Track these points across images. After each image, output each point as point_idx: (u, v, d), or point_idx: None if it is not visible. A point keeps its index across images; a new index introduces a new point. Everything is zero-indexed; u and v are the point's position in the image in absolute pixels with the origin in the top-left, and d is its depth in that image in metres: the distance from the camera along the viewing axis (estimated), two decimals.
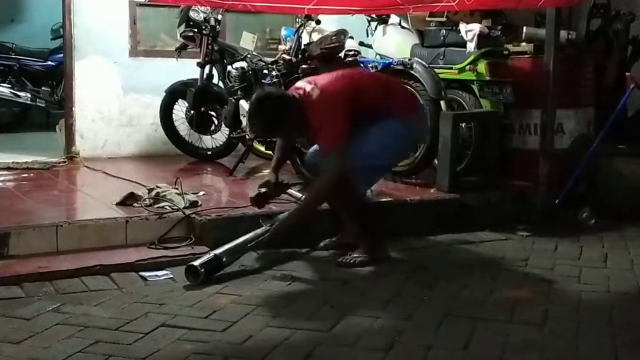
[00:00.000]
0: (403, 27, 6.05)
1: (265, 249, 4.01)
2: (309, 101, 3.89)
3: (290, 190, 4.50)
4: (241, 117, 5.84)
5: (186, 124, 6.38)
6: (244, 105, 5.81)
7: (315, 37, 5.69)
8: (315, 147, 4.19)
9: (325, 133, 3.84)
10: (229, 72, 6.07)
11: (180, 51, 6.16)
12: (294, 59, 5.53)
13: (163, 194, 4.51)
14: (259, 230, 4.01)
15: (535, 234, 4.78)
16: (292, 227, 4.00)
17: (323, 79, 4.04)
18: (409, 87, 5.21)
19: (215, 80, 6.24)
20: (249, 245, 3.92)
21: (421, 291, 3.57)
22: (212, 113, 6.29)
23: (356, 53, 5.70)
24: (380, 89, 4.10)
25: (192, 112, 6.24)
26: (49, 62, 8.23)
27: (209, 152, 6.49)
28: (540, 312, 3.31)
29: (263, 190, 4.22)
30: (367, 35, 6.30)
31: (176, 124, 6.49)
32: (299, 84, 4.07)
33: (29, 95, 8.04)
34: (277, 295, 3.49)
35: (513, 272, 3.95)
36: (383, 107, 3.99)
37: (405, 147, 4.26)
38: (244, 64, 5.98)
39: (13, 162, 5.91)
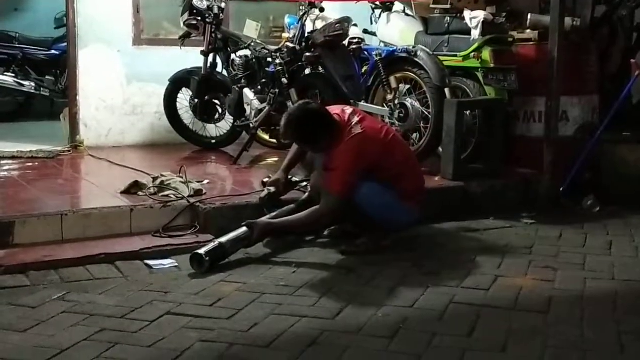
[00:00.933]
0: (407, 15, 6.03)
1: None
2: (345, 131, 3.90)
3: (301, 185, 4.48)
4: (245, 105, 5.84)
5: (190, 112, 6.38)
6: (248, 93, 5.81)
7: (319, 24, 5.68)
8: (319, 170, 4.15)
9: (338, 174, 3.84)
10: (233, 60, 6.07)
11: (184, 39, 6.15)
12: (297, 47, 5.52)
13: (167, 182, 4.51)
14: (264, 218, 4.01)
15: (539, 221, 4.78)
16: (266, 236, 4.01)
17: (370, 119, 4.09)
18: (413, 75, 5.21)
19: (219, 68, 6.23)
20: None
21: (425, 279, 3.57)
22: (216, 101, 6.29)
23: (360, 41, 5.69)
24: (404, 160, 4.09)
25: (196, 100, 6.23)
26: (53, 51, 8.23)
27: (213, 141, 6.49)
28: (545, 300, 3.31)
29: (272, 189, 4.22)
30: (371, 23, 6.28)
31: (180, 112, 6.49)
32: (345, 108, 4.06)
33: (33, 84, 8.03)
34: (282, 283, 3.50)
35: (517, 260, 3.95)
36: (395, 180, 3.98)
37: (389, 221, 4.07)
38: (247, 52, 5.98)
39: (18, 152, 5.92)
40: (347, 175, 3.84)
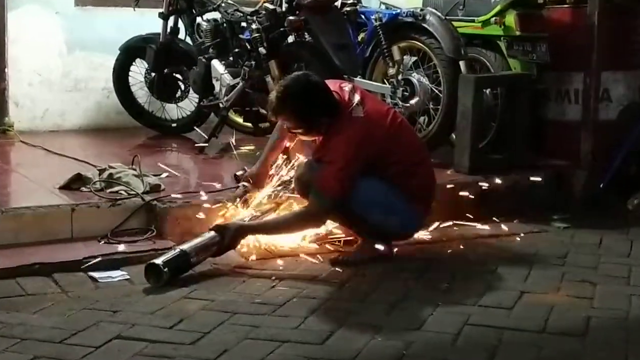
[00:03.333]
0: None
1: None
2: (345, 113, 3.90)
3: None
4: (213, 81, 5.82)
5: (146, 89, 6.36)
6: (217, 66, 5.80)
7: None
8: (308, 160, 4.15)
9: (335, 168, 3.84)
10: (199, 25, 6.05)
11: None
12: (279, 9, 5.52)
13: (117, 175, 4.50)
14: (237, 220, 4.01)
15: (575, 225, 4.80)
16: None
17: (373, 100, 4.11)
18: (420, 45, 5.21)
19: (181, 35, 6.21)
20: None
21: (434, 295, 3.58)
22: (178, 76, 6.27)
23: (356, 2, 5.69)
24: (412, 153, 4.10)
25: (152, 74, 6.22)
26: None
27: (174, 124, 6.47)
28: (581, 321, 3.32)
29: (248, 185, 4.24)
30: None
31: (133, 89, 6.48)
32: (342, 84, 4.07)
33: None
34: (259, 300, 3.49)
35: (548, 272, 3.96)
36: (400, 177, 3.99)
37: (390, 225, 4.06)
38: (217, 15, 5.96)
39: None
40: (345, 170, 3.85)
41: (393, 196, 3.97)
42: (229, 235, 3.87)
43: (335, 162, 3.84)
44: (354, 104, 3.93)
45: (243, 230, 3.96)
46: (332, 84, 4.05)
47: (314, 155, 3.99)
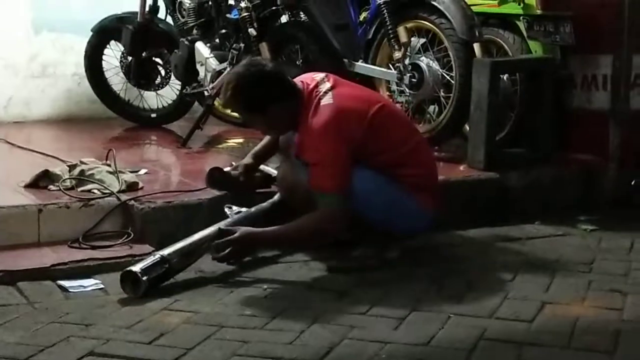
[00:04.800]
0: None
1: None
2: (310, 102, 3.93)
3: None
4: (197, 66, 5.83)
5: (121, 75, 6.36)
6: (202, 49, 5.80)
7: None
8: (289, 160, 4.17)
9: (322, 166, 3.85)
10: (181, 3, 6.06)
11: None
12: None
13: (90, 172, 4.50)
14: (222, 223, 4.02)
15: (603, 227, 4.80)
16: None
17: (343, 85, 4.09)
18: (429, 25, 5.21)
19: (161, 14, 6.21)
20: (206, 244, 3.93)
21: (447, 305, 3.58)
22: (158, 60, 6.28)
23: None
24: (403, 139, 4.10)
25: (129, 58, 6.22)
26: None
27: (154, 115, 6.48)
28: (609, 334, 3.32)
29: (230, 171, 4.25)
30: None
31: (107, 75, 6.48)
32: (314, 75, 4.10)
33: None
34: (248, 312, 3.50)
35: (572, 280, 3.96)
36: (394, 166, 4.01)
37: (394, 223, 4.08)
38: None
39: None
40: (332, 163, 3.85)
41: (393, 188, 3.98)
42: (237, 241, 3.88)
43: (319, 162, 3.86)
44: (321, 92, 3.95)
45: (252, 237, 3.95)
46: (304, 76, 4.12)
47: (296, 156, 4.01)
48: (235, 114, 5.93)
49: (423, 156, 4.20)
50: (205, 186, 4.36)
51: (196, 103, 6.14)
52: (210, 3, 5.87)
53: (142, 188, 4.46)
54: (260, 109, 3.96)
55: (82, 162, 4.63)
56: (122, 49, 6.28)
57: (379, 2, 5.37)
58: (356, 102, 4.01)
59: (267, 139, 4.42)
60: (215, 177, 4.31)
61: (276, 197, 4.29)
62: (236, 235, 3.90)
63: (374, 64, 5.51)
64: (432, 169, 4.22)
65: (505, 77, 5.27)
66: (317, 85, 3.99)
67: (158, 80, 6.33)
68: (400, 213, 4.01)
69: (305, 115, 3.92)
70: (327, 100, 3.93)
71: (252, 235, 3.95)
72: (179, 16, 6.06)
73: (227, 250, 3.88)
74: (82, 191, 4.35)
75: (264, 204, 4.24)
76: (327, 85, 3.99)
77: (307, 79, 4.06)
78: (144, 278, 3.62)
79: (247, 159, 4.41)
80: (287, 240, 4.07)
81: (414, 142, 4.17)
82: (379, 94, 4.34)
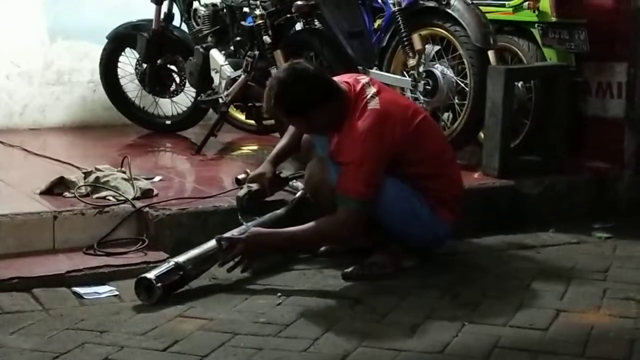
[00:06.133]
0: None
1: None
2: (358, 105, 3.90)
3: (292, 183, 4.48)
4: (212, 73, 5.84)
5: (136, 82, 6.37)
6: (216, 56, 5.81)
7: None
8: (319, 158, 4.16)
9: (355, 169, 3.83)
10: (196, 10, 6.07)
11: None
12: None
13: (105, 179, 4.51)
14: (235, 231, 4.02)
15: (618, 235, 4.79)
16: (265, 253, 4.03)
17: (387, 91, 4.10)
18: (444, 33, 5.21)
19: (176, 22, 6.22)
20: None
21: (461, 313, 3.58)
22: (172, 67, 6.29)
23: None
24: (438, 153, 4.10)
25: (144, 65, 6.23)
26: None
27: (168, 122, 6.49)
28: (625, 343, 3.31)
29: (254, 187, 4.23)
30: None
31: (122, 82, 6.50)
32: (359, 77, 4.08)
33: None
34: (263, 319, 3.50)
35: (587, 288, 3.95)
36: (424, 179, 4.00)
37: (412, 235, 4.07)
38: (215, 0, 5.96)
39: None
40: (365, 168, 3.84)
41: (416, 201, 3.97)
42: (246, 241, 3.87)
43: (354, 162, 3.84)
44: (368, 96, 3.93)
45: (262, 238, 3.95)
46: (347, 76, 4.07)
47: (330, 157, 3.99)
48: (250, 121, 5.96)
49: (453, 172, 4.20)
50: (219, 192, 4.34)
51: (211, 110, 6.15)
52: (225, 11, 5.88)
53: (156, 195, 4.47)
54: (304, 112, 3.93)
55: (97, 169, 4.64)
56: (137, 56, 6.29)
57: (394, 9, 5.37)
58: (402, 110, 4.00)
59: (284, 142, 4.40)
60: (244, 204, 4.24)
61: (291, 203, 4.29)
62: (243, 237, 3.89)
63: (388, 71, 5.51)
64: (460, 186, 4.22)
65: (519, 84, 5.27)
66: (363, 89, 3.96)
67: (173, 87, 6.34)
68: (419, 227, 4.01)
69: (351, 118, 3.89)
70: (374, 104, 3.91)
71: (260, 237, 3.94)
72: (194, 24, 6.07)
73: (235, 253, 3.85)
74: (97, 198, 4.36)
75: (279, 211, 4.24)
76: (373, 90, 3.97)
77: (352, 80, 4.02)
78: (159, 285, 3.63)
79: (265, 167, 4.33)
80: (300, 241, 4.05)
81: (448, 157, 4.19)
82: (417, 104, 4.33)
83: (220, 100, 5.74)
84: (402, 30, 5.32)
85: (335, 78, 4.05)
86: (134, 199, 4.34)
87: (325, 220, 3.94)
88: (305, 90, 3.90)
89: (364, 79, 4.06)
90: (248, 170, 4.47)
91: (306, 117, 3.95)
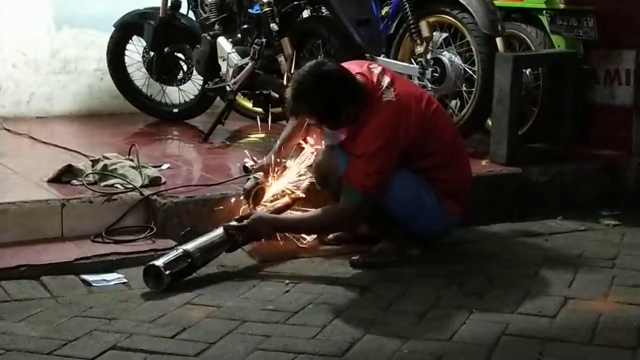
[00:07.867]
0: None
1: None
2: (373, 97, 3.88)
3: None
4: (219, 61, 5.83)
5: (144, 70, 6.37)
6: (224, 44, 5.80)
7: None
8: (329, 146, 4.16)
9: (365, 161, 3.83)
10: None
11: None
12: None
13: (112, 167, 4.52)
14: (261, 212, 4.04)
15: (626, 222, 4.79)
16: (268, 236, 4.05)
17: (405, 82, 4.10)
18: (452, 20, 5.20)
19: (183, 9, 6.22)
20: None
21: (468, 301, 3.58)
22: (180, 55, 6.28)
23: None
24: (450, 143, 4.10)
25: (151, 53, 6.23)
26: None
27: (175, 110, 6.49)
28: (633, 330, 3.31)
29: (260, 177, 4.23)
30: None
31: (129, 70, 6.49)
32: (371, 66, 4.05)
33: None
34: (271, 306, 3.51)
35: (595, 275, 3.95)
36: (434, 170, 4.00)
37: (419, 224, 4.06)
38: None
39: None
40: (376, 162, 3.83)
41: (426, 193, 3.98)
42: (253, 224, 3.89)
43: (365, 155, 3.83)
44: (384, 87, 3.91)
45: (269, 222, 3.97)
46: (358, 65, 4.04)
47: (343, 148, 3.98)
48: (257, 109, 5.95)
49: (463, 163, 4.19)
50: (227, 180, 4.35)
51: (218, 98, 6.15)
52: None
53: (164, 183, 4.48)
54: (333, 116, 3.90)
55: (105, 157, 4.65)
56: (145, 44, 6.29)
57: None
58: (416, 100, 3.98)
59: (286, 132, 4.37)
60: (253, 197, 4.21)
61: (303, 184, 4.29)
62: (245, 223, 3.90)
63: (395, 59, 5.50)
64: (468, 178, 4.21)
65: (527, 71, 5.26)
66: (378, 80, 3.93)
67: (180, 75, 6.34)
68: (426, 217, 4.01)
69: (368, 112, 3.86)
70: (388, 96, 3.89)
71: (264, 222, 3.96)
72: (201, 11, 6.06)
73: (244, 235, 3.88)
74: (105, 186, 4.37)
75: (286, 199, 4.25)
76: (387, 79, 3.95)
77: (366, 71, 3.97)
78: (167, 272, 3.64)
79: (270, 157, 4.28)
80: (302, 228, 4.09)
81: (459, 146, 4.20)
82: (429, 93, 4.33)
83: (228, 88, 5.73)
84: (410, 18, 5.31)
85: (345, 65, 4.03)
86: (141, 186, 4.34)
87: (328, 210, 3.98)
88: (336, 95, 3.84)
89: (376, 69, 4.02)
90: (255, 158, 4.47)
91: (330, 116, 3.92)
